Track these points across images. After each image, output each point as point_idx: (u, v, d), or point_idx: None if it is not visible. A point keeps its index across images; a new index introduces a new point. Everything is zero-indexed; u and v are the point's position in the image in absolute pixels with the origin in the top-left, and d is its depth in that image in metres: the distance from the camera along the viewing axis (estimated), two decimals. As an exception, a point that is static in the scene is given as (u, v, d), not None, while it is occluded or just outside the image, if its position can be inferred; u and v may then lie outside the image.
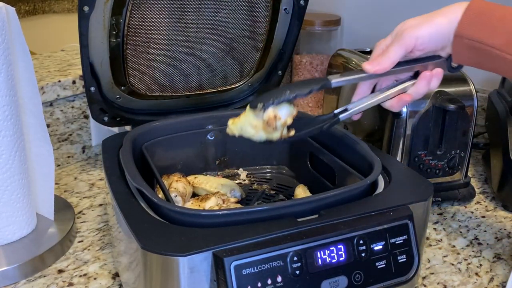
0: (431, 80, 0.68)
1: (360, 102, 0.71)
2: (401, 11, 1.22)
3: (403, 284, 0.61)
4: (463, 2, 0.65)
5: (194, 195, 0.81)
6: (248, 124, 0.67)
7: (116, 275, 0.72)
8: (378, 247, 0.60)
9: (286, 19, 0.93)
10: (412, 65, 0.70)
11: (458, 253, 0.79)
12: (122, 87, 0.86)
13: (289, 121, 0.66)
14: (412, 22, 0.67)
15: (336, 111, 0.70)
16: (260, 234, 0.55)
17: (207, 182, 0.81)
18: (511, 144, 0.92)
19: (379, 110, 0.91)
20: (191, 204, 0.73)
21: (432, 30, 0.66)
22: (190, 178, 0.82)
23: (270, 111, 0.65)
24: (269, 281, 0.54)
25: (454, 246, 0.81)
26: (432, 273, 0.74)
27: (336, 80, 0.68)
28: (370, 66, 0.67)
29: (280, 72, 0.99)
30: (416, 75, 0.71)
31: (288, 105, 0.66)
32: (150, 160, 0.75)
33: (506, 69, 0.62)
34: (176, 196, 0.74)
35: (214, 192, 0.78)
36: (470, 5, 0.63)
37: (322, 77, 0.74)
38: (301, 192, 0.79)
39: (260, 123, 0.66)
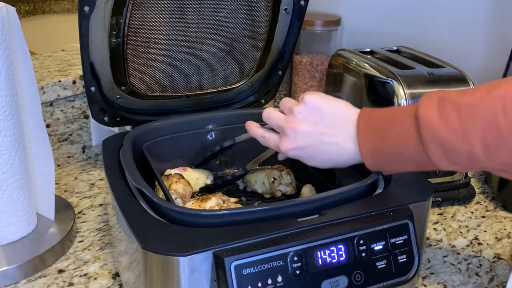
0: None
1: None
2: (401, 11, 1.22)
3: (403, 284, 0.61)
4: (353, 137, 0.62)
5: (194, 195, 0.81)
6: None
7: (116, 275, 0.72)
8: (378, 247, 0.60)
9: (286, 19, 0.93)
10: None
11: (458, 253, 0.79)
12: (122, 87, 0.86)
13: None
14: (319, 166, 0.66)
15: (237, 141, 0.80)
16: (260, 234, 0.55)
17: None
18: (511, 144, 0.92)
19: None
20: (192, 204, 0.73)
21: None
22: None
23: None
24: (269, 281, 0.54)
25: (454, 246, 0.81)
26: (432, 273, 0.74)
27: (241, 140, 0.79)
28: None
29: (280, 72, 0.99)
30: None
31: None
32: (150, 160, 0.75)
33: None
34: (176, 198, 0.74)
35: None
36: (362, 153, 0.61)
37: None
38: (308, 191, 0.79)
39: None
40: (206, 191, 0.83)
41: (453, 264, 0.77)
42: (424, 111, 0.56)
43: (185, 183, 0.77)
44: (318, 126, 0.63)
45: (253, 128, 0.71)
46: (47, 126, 0.99)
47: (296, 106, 0.64)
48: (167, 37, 0.84)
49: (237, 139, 0.80)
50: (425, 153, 0.56)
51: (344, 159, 0.63)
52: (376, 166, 0.62)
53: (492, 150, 0.52)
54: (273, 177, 0.82)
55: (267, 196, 0.84)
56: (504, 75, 1.00)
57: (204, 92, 0.95)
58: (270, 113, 0.68)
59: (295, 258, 0.55)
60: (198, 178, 0.83)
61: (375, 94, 0.92)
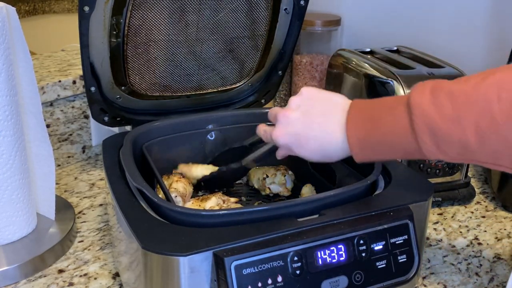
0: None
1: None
2: (401, 11, 1.22)
3: (403, 284, 0.61)
4: (342, 126, 0.62)
5: (194, 195, 0.81)
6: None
7: (116, 275, 0.72)
8: (378, 247, 0.60)
9: (286, 19, 0.93)
10: None
11: (458, 253, 0.79)
12: (123, 87, 0.86)
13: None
14: (310, 158, 0.66)
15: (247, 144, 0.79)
16: (260, 234, 0.55)
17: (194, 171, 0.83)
18: (511, 144, 0.92)
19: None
20: (192, 204, 0.73)
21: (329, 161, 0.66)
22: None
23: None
24: (269, 281, 0.54)
25: (454, 246, 0.81)
26: (432, 273, 0.75)
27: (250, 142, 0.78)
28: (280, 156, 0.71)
29: (280, 72, 0.99)
30: None
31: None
32: (150, 160, 0.75)
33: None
34: (176, 196, 0.74)
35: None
36: (351, 143, 0.61)
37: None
38: (308, 191, 0.79)
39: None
40: (206, 185, 0.82)
41: (453, 264, 0.77)
42: (416, 99, 0.56)
43: (186, 182, 0.77)
44: (309, 114, 0.64)
45: (258, 127, 0.72)
46: (47, 126, 0.99)
47: (293, 97, 0.66)
48: (167, 37, 0.84)
49: (245, 142, 0.79)
50: (415, 141, 0.56)
51: (333, 148, 0.63)
52: (363, 156, 0.62)
53: (485, 138, 0.52)
54: (266, 174, 0.82)
55: (263, 193, 0.84)
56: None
57: (204, 92, 0.95)
58: (272, 109, 0.70)
59: (295, 258, 0.55)
60: (203, 171, 0.83)
61: (375, 94, 0.92)
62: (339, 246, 0.58)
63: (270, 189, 0.82)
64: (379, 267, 0.60)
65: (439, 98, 0.54)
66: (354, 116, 0.61)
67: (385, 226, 0.60)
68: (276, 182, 0.82)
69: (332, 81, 1.08)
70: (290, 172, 0.84)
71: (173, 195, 0.73)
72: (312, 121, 0.64)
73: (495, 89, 0.51)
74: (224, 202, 0.73)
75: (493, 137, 0.52)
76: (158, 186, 0.73)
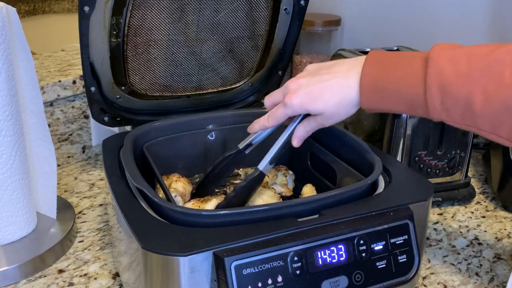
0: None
1: (262, 137, 0.74)
2: (401, 11, 1.22)
3: (404, 284, 0.61)
4: (357, 75, 0.64)
5: (194, 196, 0.81)
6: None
7: (116, 275, 0.72)
8: (378, 247, 0.60)
9: (287, 19, 0.93)
10: None
11: (458, 253, 0.79)
12: (123, 87, 0.86)
13: None
14: (327, 111, 0.65)
15: (240, 146, 0.75)
16: (260, 234, 0.55)
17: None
18: (511, 144, 0.92)
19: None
20: (192, 205, 0.73)
21: (347, 116, 0.66)
22: None
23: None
24: (269, 281, 0.54)
25: (454, 246, 0.81)
26: (432, 273, 0.75)
27: (245, 144, 0.74)
28: (297, 143, 0.70)
29: (280, 72, 0.99)
30: None
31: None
32: (151, 160, 0.75)
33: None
34: (176, 196, 0.74)
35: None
36: (362, 84, 0.63)
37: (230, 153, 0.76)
38: (308, 191, 0.79)
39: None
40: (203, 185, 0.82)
41: (453, 264, 0.77)
42: (437, 52, 0.58)
43: (185, 182, 0.77)
44: (319, 70, 0.67)
45: (255, 122, 0.72)
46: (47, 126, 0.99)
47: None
48: (167, 37, 0.84)
49: (239, 146, 0.76)
50: (423, 94, 0.58)
51: (348, 94, 0.63)
52: (370, 103, 0.63)
53: (490, 101, 0.54)
54: (267, 175, 0.81)
55: None
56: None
57: (204, 92, 0.95)
58: (269, 94, 0.71)
59: (295, 258, 0.55)
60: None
61: (375, 94, 0.92)
62: (339, 246, 0.58)
63: (274, 189, 0.82)
64: (379, 267, 0.60)
65: (457, 56, 0.56)
66: (371, 61, 0.63)
67: (385, 226, 0.60)
68: (278, 183, 0.82)
69: (332, 81, 1.08)
70: (290, 172, 0.84)
71: (172, 194, 0.73)
72: (326, 73, 0.65)
73: (510, 55, 0.53)
74: None
75: (497, 101, 0.53)
76: (159, 186, 0.73)
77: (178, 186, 0.76)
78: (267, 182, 0.82)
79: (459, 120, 0.57)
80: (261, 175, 0.71)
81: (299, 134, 0.69)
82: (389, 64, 0.61)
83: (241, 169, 0.90)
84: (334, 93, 0.64)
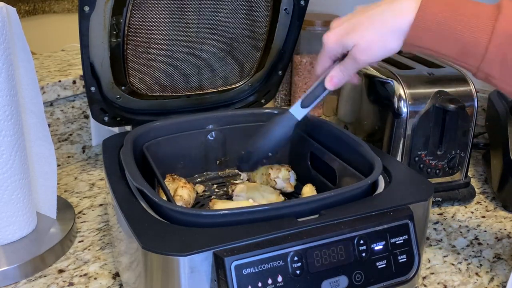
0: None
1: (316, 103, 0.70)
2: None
3: (404, 284, 0.61)
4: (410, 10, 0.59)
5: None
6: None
7: (116, 275, 0.72)
8: (378, 247, 0.60)
9: (287, 19, 0.93)
10: None
11: (458, 253, 0.79)
12: (123, 87, 0.87)
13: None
14: (363, 41, 0.61)
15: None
16: (260, 234, 0.55)
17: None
18: (511, 144, 0.92)
19: (379, 110, 0.91)
20: (216, 206, 0.74)
21: (384, 53, 0.62)
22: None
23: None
24: (269, 281, 0.54)
25: (454, 246, 0.81)
26: (432, 273, 0.75)
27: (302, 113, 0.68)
28: (330, 84, 0.67)
29: (280, 72, 0.99)
30: None
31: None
32: (151, 160, 0.75)
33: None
34: (182, 204, 0.74)
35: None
36: (419, 16, 0.58)
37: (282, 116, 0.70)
38: (308, 191, 0.79)
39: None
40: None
41: (453, 264, 0.77)
42: (508, 2, 0.54)
43: (191, 188, 0.78)
44: (366, 7, 0.62)
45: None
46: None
47: None
48: (167, 37, 0.85)
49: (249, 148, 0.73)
50: (486, 41, 0.54)
51: (388, 21, 0.59)
52: (419, 39, 0.58)
53: None
54: (271, 168, 0.82)
55: None
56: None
57: (204, 92, 0.95)
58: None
59: (295, 258, 0.55)
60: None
61: (375, 94, 0.92)
62: (339, 246, 0.58)
63: (276, 182, 0.82)
64: (379, 267, 0.60)
65: None
66: None
67: (385, 226, 0.60)
68: (281, 177, 0.82)
69: (332, 81, 1.08)
70: (293, 172, 0.84)
71: (178, 203, 0.73)
72: (372, 8, 0.61)
73: None
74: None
75: None
76: (159, 186, 0.73)
77: (184, 193, 0.75)
78: (270, 174, 0.82)
79: (500, 74, 0.54)
80: (290, 115, 0.67)
81: (333, 74, 0.65)
82: (456, 1, 0.57)
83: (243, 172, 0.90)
84: (374, 21, 0.59)
